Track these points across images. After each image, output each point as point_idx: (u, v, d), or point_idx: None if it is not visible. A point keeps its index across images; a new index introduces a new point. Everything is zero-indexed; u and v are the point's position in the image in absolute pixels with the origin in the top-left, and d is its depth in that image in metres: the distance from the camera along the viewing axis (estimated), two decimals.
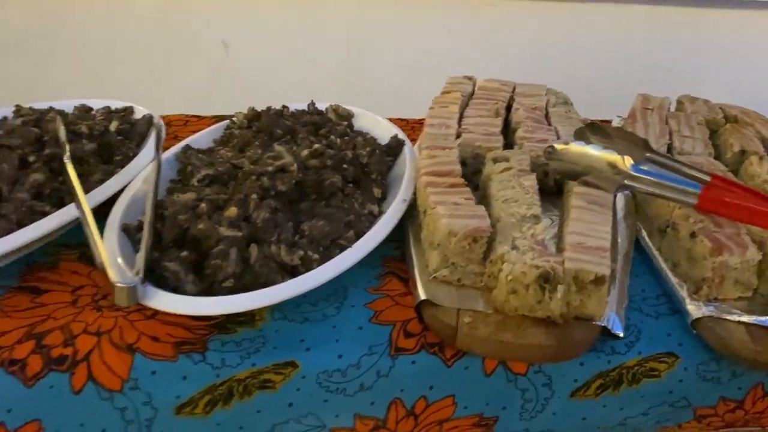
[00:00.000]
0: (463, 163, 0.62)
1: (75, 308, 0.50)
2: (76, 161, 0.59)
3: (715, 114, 0.79)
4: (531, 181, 0.59)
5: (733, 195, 0.55)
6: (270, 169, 0.57)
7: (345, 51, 1.38)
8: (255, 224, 0.52)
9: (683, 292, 0.54)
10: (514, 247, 0.51)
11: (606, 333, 0.51)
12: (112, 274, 0.45)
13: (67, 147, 0.56)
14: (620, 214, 0.63)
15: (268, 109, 0.72)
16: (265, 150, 0.63)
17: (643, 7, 1.26)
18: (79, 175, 0.56)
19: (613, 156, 0.59)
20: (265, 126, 0.68)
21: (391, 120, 0.74)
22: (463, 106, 0.74)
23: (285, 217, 0.54)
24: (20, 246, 0.50)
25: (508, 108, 0.76)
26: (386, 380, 0.49)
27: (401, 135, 0.70)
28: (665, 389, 0.52)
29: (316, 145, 0.62)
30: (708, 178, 0.59)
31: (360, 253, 0.52)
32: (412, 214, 0.60)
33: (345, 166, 0.62)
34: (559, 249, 0.54)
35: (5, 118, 0.64)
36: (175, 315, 0.49)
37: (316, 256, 0.51)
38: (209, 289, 0.49)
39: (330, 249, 0.53)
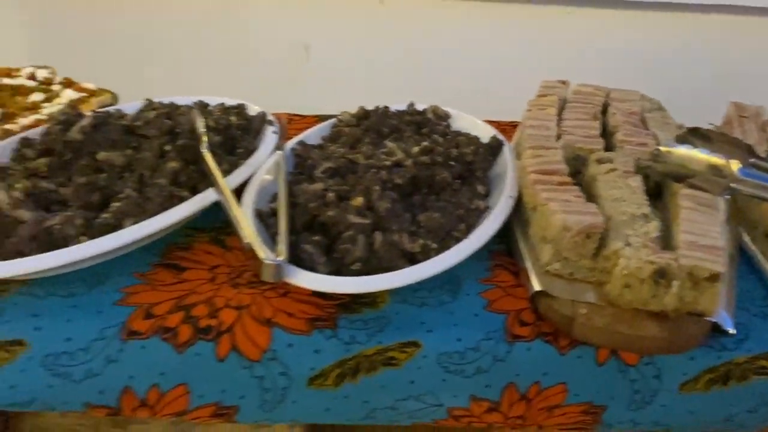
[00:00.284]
0: None
1: (214, 285, 0.55)
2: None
3: None
4: (637, 182, 0.61)
5: None
6: (387, 163, 0.61)
7: (419, 57, 1.42)
8: (378, 213, 0.55)
9: None
10: (628, 244, 0.53)
11: (716, 329, 0.52)
12: (261, 253, 0.49)
13: (205, 138, 0.61)
14: (722, 217, 0.64)
15: (376, 108, 0.75)
16: (375, 146, 0.67)
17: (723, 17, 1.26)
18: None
19: (719, 159, 0.61)
20: (373, 124, 0.72)
21: None
22: (560, 109, 0.77)
23: (402, 208, 0.58)
24: (169, 225, 0.55)
25: (602, 112, 0.78)
26: (502, 365, 0.52)
27: (499, 136, 0.73)
28: None
29: (425, 143, 0.66)
30: None
31: (476, 244, 0.55)
32: (516, 210, 0.63)
33: (452, 163, 0.65)
34: (669, 248, 0.56)
35: (140, 111, 0.70)
36: (304, 294, 0.53)
37: (434, 245, 0.55)
38: (337, 271, 0.53)
39: (446, 240, 0.56)
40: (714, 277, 0.51)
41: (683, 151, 0.62)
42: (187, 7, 1.40)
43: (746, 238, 0.63)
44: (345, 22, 1.42)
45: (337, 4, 1.41)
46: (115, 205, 0.55)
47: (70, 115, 0.63)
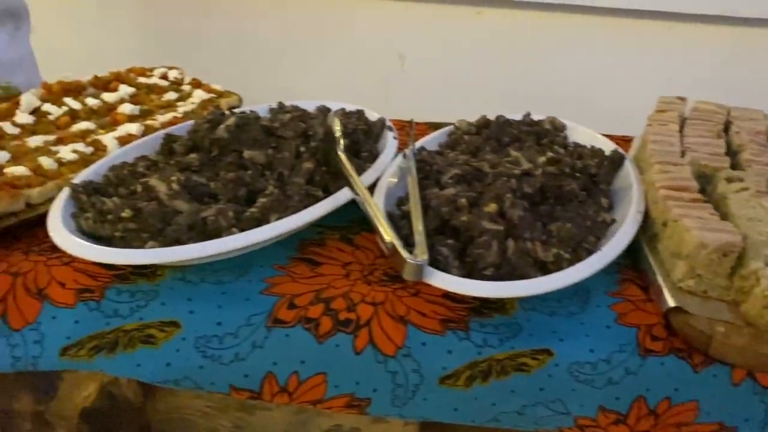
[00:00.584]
0: None
1: (348, 281, 0.57)
2: (335, 154, 0.66)
3: None
4: None
5: None
6: (517, 172, 0.62)
7: (514, 68, 1.43)
8: (511, 221, 0.57)
9: None
10: (767, 264, 0.52)
11: None
12: (404, 253, 0.51)
13: (342, 141, 0.64)
14: None
15: (497, 118, 0.77)
16: (497, 155, 0.69)
17: None
18: (338, 168, 0.63)
19: None
20: (494, 133, 0.73)
21: None
22: (680, 126, 0.76)
23: (533, 217, 0.59)
24: (310, 221, 0.58)
25: (724, 131, 0.77)
26: (634, 378, 0.52)
27: (620, 149, 0.72)
28: None
29: (550, 153, 0.66)
30: None
31: (609, 256, 0.55)
32: (642, 224, 0.62)
33: (577, 174, 0.65)
34: None
35: (274, 113, 0.74)
36: (434, 295, 0.55)
37: (567, 255, 0.55)
38: (468, 275, 0.55)
39: (577, 251, 0.57)
40: None
41: None
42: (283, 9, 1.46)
43: None
44: (441, 33, 1.44)
45: (435, 15, 1.43)
46: (261, 200, 0.58)
47: (216, 115, 0.67)
